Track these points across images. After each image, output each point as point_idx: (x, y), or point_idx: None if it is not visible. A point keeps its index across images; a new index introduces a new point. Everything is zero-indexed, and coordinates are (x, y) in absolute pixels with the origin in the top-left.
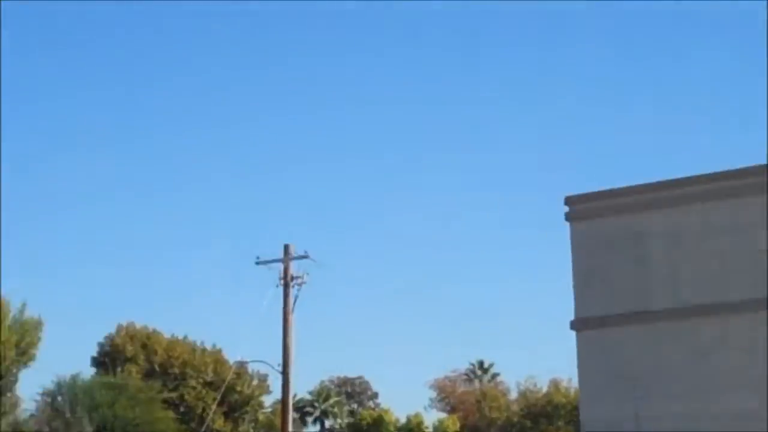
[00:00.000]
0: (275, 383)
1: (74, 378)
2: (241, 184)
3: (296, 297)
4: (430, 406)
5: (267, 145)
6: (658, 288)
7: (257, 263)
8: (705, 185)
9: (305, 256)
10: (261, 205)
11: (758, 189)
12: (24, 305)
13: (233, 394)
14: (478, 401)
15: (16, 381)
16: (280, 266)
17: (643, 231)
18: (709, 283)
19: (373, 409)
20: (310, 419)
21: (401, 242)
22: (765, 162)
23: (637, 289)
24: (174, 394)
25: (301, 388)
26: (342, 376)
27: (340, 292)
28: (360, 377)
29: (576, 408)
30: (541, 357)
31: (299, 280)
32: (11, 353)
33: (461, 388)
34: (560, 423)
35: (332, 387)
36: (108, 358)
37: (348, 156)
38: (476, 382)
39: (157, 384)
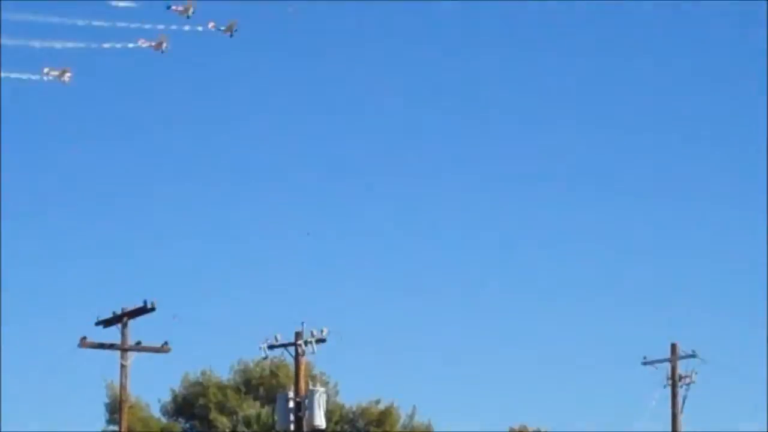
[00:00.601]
0: None
1: None
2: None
3: (685, 397)
4: None
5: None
6: None
7: (644, 363)
8: None
9: (693, 355)
10: (645, 301)
11: None
12: (414, 409)
13: None
14: None
15: None
16: (668, 366)
17: None
18: None
19: None
20: None
21: None
22: None
23: None
24: None
25: None
26: None
27: (735, 389)
28: None
29: None
30: None
31: (687, 380)
32: None
33: None
34: None
35: None
36: None
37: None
38: None
39: None
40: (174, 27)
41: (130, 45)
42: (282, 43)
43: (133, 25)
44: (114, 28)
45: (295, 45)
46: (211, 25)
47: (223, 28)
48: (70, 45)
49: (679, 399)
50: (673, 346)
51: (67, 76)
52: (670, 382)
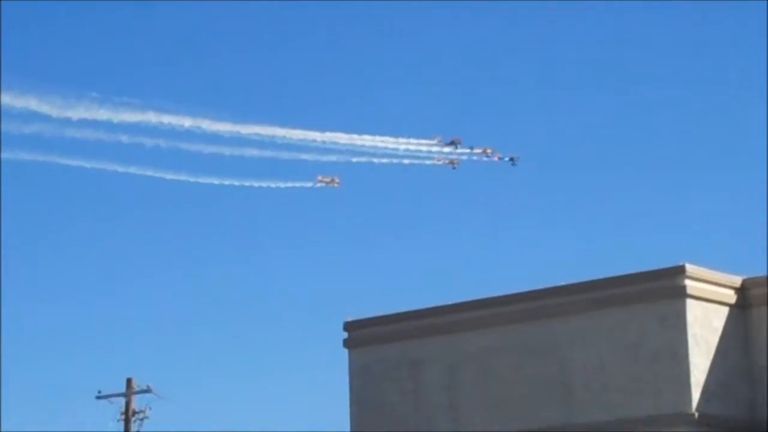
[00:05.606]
0: None
1: None
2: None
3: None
4: None
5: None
6: (437, 418)
7: (98, 397)
8: (482, 311)
9: (148, 390)
10: (103, 334)
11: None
12: None
13: None
14: None
15: None
16: (122, 400)
17: (420, 358)
18: (489, 410)
19: None
20: None
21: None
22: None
23: (416, 419)
24: None
25: None
26: None
27: (186, 425)
28: None
29: None
30: None
31: (141, 414)
32: None
33: None
34: None
35: None
36: None
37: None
38: None
39: None
40: None
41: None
42: None
43: None
44: None
45: None
46: None
47: None
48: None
49: None
50: (129, 381)
51: (336, 181)
52: (124, 416)
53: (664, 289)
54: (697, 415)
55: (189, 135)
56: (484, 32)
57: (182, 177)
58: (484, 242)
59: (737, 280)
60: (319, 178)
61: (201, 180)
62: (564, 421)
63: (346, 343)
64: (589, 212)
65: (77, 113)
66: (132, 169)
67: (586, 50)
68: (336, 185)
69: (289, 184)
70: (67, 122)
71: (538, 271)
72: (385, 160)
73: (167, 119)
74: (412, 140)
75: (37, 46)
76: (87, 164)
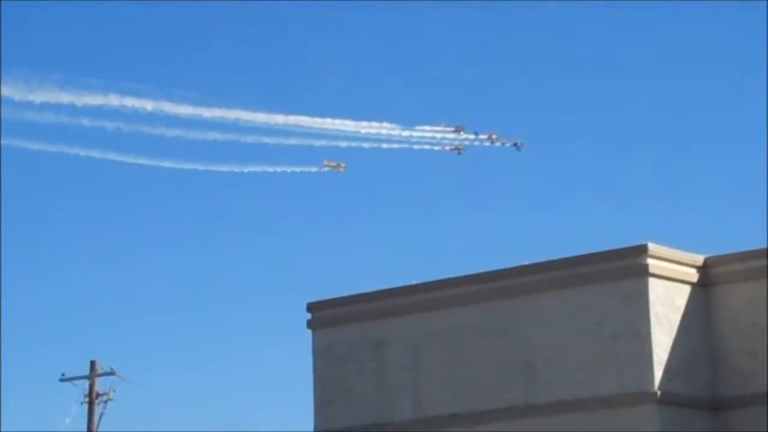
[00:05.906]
0: None
1: None
2: (41, 291)
3: (102, 414)
4: None
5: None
6: (400, 399)
7: (61, 380)
8: (445, 291)
9: (112, 373)
10: (66, 316)
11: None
12: None
13: None
14: None
15: None
16: (86, 383)
17: (383, 339)
18: (452, 391)
19: None
20: None
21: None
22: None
23: (378, 400)
24: None
25: None
26: None
27: (150, 408)
28: None
29: None
30: None
31: (105, 397)
32: None
33: None
34: None
35: None
36: None
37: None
38: None
39: None
40: None
41: None
42: None
43: None
44: None
45: None
46: None
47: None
48: None
49: (96, 416)
50: (92, 363)
51: (342, 166)
52: (87, 399)
53: (627, 268)
54: (659, 393)
55: (151, 118)
56: (487, 17)
57: (143, 160)
58: (490, 227)
59: (699, 259)
60: (325, 162)
61: (163, 164)
62: (527, 400)
63: (310, 324)
64: (589, 196)
65: (39, 96)
66: (93, 153)
67: (590, 36)
68: (341, 170)
69: (296, 169)
70: (29, 105)
71: (538, 252)
72: (390, 146)
73: (129, 102)
74: (417, 127)
75: None
76: (49, 148)
